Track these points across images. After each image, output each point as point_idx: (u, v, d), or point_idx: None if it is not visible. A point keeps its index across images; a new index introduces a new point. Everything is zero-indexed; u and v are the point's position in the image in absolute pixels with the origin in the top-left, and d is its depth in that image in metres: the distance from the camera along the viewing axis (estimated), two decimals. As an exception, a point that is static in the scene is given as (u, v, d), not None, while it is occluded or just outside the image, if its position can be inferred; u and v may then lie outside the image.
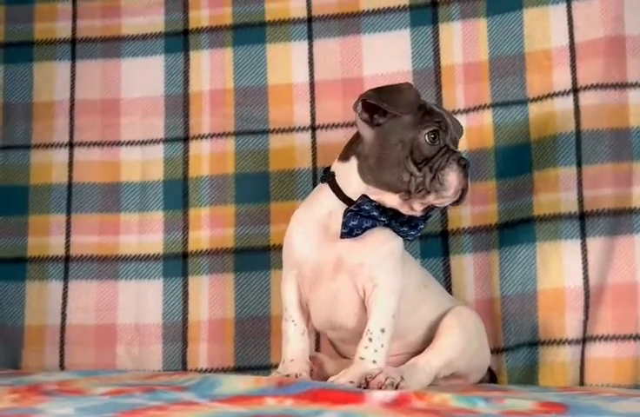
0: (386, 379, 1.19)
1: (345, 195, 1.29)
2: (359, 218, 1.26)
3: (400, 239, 1.31)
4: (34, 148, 1.79)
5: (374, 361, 1.26)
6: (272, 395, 1.07)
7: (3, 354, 1.72)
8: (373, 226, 1.27)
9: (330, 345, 1.43)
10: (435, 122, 1.27)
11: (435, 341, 1.33)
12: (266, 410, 1.01)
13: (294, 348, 1.34)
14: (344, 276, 1.30)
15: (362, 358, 1.27)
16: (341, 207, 1.28)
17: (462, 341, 1.33)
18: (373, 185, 1.27)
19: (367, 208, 1.26)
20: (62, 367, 1.70)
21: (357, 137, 1.31)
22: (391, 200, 1.27)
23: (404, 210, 1.27)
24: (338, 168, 1.32)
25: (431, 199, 1.25)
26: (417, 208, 1.27)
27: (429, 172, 1.24)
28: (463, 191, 1.26)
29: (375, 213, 1.26)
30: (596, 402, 1.15)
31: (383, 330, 1.28)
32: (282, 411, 1.00)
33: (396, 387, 1.19)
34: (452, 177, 1.24)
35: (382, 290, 1.28)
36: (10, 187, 1.79)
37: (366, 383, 1.20)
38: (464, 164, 1.25)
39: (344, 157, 1.32)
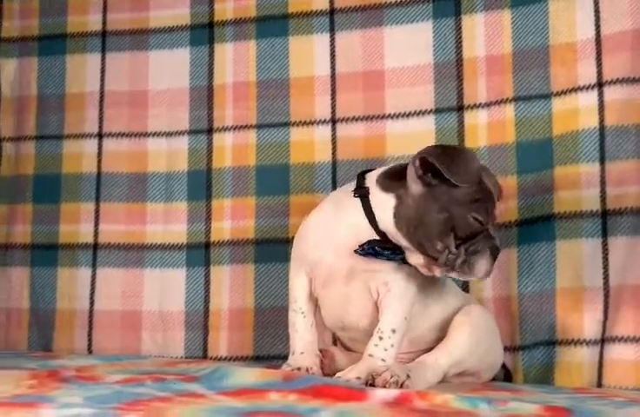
0: (391, 377, 1.08)
1: (374, 218, 1.15)
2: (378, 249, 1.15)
3: None
4: (66, 138, 1.68)
5: (382, 360, 1.15)
6: (277, 390, 0.99)
7: (36, 337, 1.64)
8: (389, 259, 1.16)
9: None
10: (485, 202, 1.14)
11: (445, 340, 1.20)
12: (266, 405, 0.94)
13: (303, 340, 1.23)
14: (358, 280, 1.18)
15: (371, 355, 1.16)
16: (365, 225, 1.15)
17: (472, 341, 1.20)
18: (404, 236, 1.13)
19: (380, 251, 1.15)
20: (90, 350, 1.61)
21: (404, 174, 1.15)
22: (415, 258, 1.15)
23: (423, 270, 1.15)
24: (374, 192, 1.17)
25: (454, 275, 1.15)
26: (437, 273, 1.14)
27: (463, 253, 1.12)
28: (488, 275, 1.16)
29: (391, 256, 1.15)
30: (602, 408, 1.01)
31: (394, 331, 1.16)
32: (281, 407, 0.93)
33: (401, 386, 1.08)
34: (481, 265, 1.13)
35: (396, 294, 1.17)
36: (44, 176, 1.69)
37: (372, 380, 1.09)
38: (496, 253, 1.14)
39: (384, 186, 1.16)
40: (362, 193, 1.17)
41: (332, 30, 1.57)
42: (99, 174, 1.66)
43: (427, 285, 1.20)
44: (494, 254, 1.14)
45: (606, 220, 1.35)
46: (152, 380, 1.09)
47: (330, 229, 1.18)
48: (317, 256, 1.19)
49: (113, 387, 1.04)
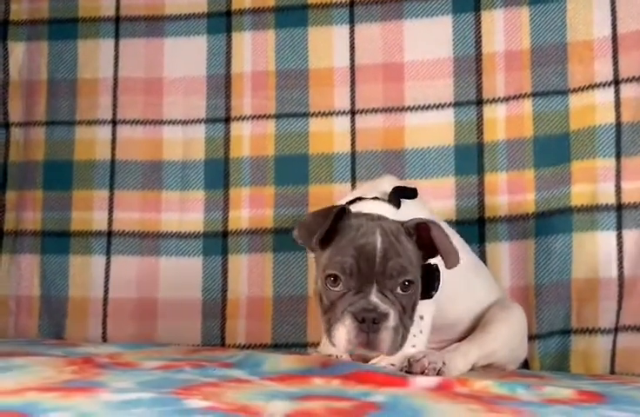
0: (429, 363, 1.11)
1: None
2: None
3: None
4: (78, 124, 1.68)
5: (413, 346, 1.17)
6: (319, 375, 1.00)
7: (47, 324, 1.64)
8: None
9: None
10: (336, 262, 1.02)
11: (480, 331, 1.24)
12: (317, 390, 0.95)
13: None
14: None
15: None
16: None
17: (505, 336, 1.25)
18: None
19: None
20: (104, 338, 1.61)
21: None
22: None
23: None
24: None
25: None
26: None
27: (327, 322, 1.02)
28: (370, 346, 1.00)
29: None
30: (631, 393, 1.07)
31: (422, 317, 1.18)
32: (332, 391, 0.94)
33: (438, 373, 1.12)
34: (340, 334, 1.00)
35: None
36: (55, 162, 1.68)
37: (409, 365, 1.12)
38: (368, 318, 0.98)
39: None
40: None
41: (352, 22, 1.59)
42: (113, 161, 1.66)
43: (458, 275, 1.24)
44: (362, 320, 0.98)
45: (621, 213, 1.41)
46: (191, 367, 1.10)
47: None
48: None
49: (155, 373, 1.05)
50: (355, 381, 0.99)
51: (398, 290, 1.02)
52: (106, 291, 1.63)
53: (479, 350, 1.22)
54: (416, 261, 1.05)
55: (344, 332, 1.00)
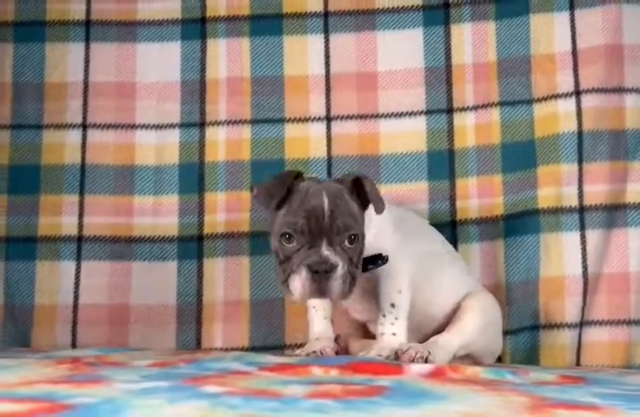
0: (416, 353, 1.22)
1: None
2: None
3: (387, 218, 1.31)
4: (45, 128, 1.73)
5: (393, 334, 1.29)
6: (317, 365, 1.08)
7: (13, 333, 1.66)
8: None
9: (356, 327, 1.44)
10: (290, 223, 1.20)
11: (456, 322, 1.36)
12: (321, 378, 1.02)
13: (317, 329, 1.37)
14: None
15: (382, 333, 1.30)
16: None
17: (482, 324, 1.36)
18: None
19: None
20: (74, 346, 1.65)
21: None
22: None
23: None
24: None
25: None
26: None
27: (282, 273, 1.21)
28: (324, 293, 1.19)
29: None
30: (608, 377, 1.22)
31: (392, 305, 1.30)
32: (335, 379, 1.01)
33: (426, 361, 1.22)
34: (296, 284, 1.19)
35: (387, 270, 1.30)
36: (21, 166, 1.72)
37: (396, 357, 1.23)
38: (320, 269, 1.17)
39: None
40: None
41: (326, 32, 1.72)
42: (83, 165, 1.72)
43: (428, 268, 1.35)
44: (315, 271, 1.17)
45: (583, 215, 1.58)
46: (185, 363, 1.13)
47: None
48: None
49: (152, 369, 1.08)
50: (352, 371, 1.07)
51: (345, 243, 1.22)
52: (76, 297, 1.67)
53: (459, 339, 1.33)
54: (359, 215, 1.26)
55: (300, 282, 1.18)
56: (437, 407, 0.84)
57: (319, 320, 1.37)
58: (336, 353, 1.35)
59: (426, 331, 1.38)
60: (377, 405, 0.84)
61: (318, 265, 1.17)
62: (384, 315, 1.30)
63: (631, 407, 0.86)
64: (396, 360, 1.22)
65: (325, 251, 1.19)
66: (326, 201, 1.21)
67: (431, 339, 1.34)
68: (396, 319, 1.29)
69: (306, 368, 1.08)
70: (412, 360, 1.21)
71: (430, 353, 1.25)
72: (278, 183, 1.23)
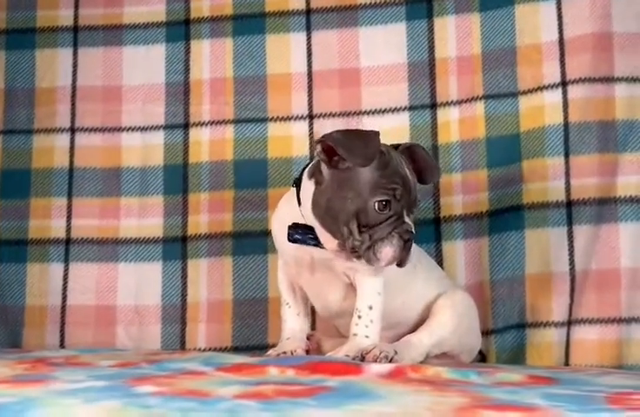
0: (380, 352, 1.21)
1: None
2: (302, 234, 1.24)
3: None
4: (36, 132, 1.78)
5: (366, 336, 1.27)
6: (274, 365, 1.09)
7: (3, 334, 1.71)
8: (316, 245, 1.25)
9: (329, 326, 1.44)
10: (389, 189, 1.19)
11: (428, 321, 1.34)
12: (271, 378, 1.02)
13: (290, 328, 1.36)
14: (324, 267, 1.29)
15: (355, 334, 1.28)
16: (298, 212, 1.26)
17: (453, 322, 1.35)
18: (317, 221, 1.23)
19: (299, 237, 1.24)
20: (62, 346, 1.69)
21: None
22: (330, 244, 1.23)
23: (340, 260, 1.24)
24: (304, 180, 1.26)
25: (362, 263, 1.22)
26: (349, 259, 1.22)
27: (368, 240, 1.19)
28: (401, 261, 1.21)
29: (311, 243, 1.24)
30: (582, 377, 1.18)
31: (370, 307, 1.28)
32: (286, 380, 1.02)
33: (390, 360, 1.21)
34: (388, 251, 1.19)
35: (365, 272, 1.27)
36: (12, 170, 1.77)
37: (362, 357, 1.22)
38: (407, 238, 1.20)
39: (310, 173, 1.25)
40: (296, 182, 1.28)
41: (309, 29, 1.73)
42: (71, 169, 1.76)
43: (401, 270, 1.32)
44: (404, 240, 1.20)
45: (571, 209, 1.54)
46: (147, 363, 1.15)
47: (284, 221, 1.29)
48: (282, 248, 1.32)
49: (111, 369, 1.10)
50: (309, 371, 1.07)
51: (413, 214, 1.26)
52: (64, 299, 1.71)
53: (430, 338, 1.32)
54: None
55: (392, 249, 1.19)
56: (360, 408, 0.83)
57: (292, 316, 1.36)
58: (307, 352, 1.35)
59: (400, 331, 1.37)
60: (298, 405, 0.84)
61: (408, 234, 1.20)
62: (360, 317, 1.28)
63: (572, 409, 0.83)
64: (362, 361, 1.21)
65: (409, 220, 1.22)
66: (408, 172, 1.23)
67: (403, 338, 1.33)
68: (371, 321, 1.28)
69: (263, 369, 1.08)
70: (376, 360, 1.20)
71: (396, 352, 1.24)
72: (369, 140, 1.20)
